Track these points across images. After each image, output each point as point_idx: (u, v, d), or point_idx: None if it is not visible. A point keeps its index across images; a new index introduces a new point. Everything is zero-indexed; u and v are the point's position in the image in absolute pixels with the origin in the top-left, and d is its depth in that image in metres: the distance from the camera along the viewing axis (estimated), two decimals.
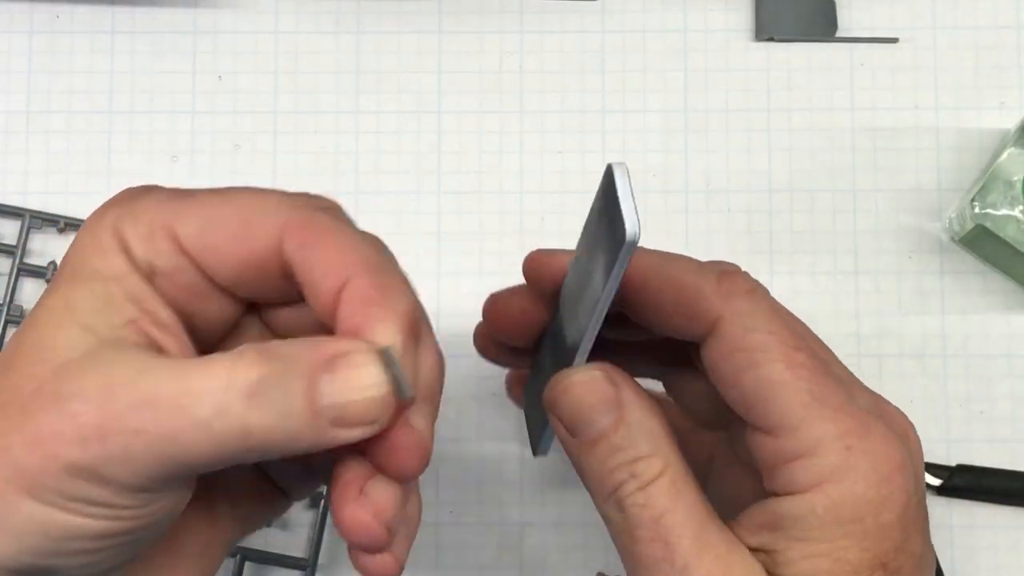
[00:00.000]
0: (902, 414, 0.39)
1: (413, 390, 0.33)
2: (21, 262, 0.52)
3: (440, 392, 0.35)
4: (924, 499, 0.38)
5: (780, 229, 0.52)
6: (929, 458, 0.51)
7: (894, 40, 0.53)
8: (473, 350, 0.51)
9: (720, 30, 0.54)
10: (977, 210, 0.48)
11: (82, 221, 0.52)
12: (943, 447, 0.51)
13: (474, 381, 0.52)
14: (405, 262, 0.52)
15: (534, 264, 0.41)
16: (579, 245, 0.38)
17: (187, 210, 0.36)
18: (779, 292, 0.52)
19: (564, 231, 0.53)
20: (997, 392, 0.52)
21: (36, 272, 0.52)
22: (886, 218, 0.52)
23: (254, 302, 0.37)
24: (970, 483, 0.50)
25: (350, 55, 0.54)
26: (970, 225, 0.48)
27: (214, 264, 0.35)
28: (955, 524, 0.51)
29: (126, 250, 0.35)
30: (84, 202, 0.53)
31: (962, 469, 0.51)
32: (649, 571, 0.36)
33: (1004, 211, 0.48)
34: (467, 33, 0.54)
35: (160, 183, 0.53)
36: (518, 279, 0.53)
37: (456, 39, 0.54)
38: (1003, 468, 0.51)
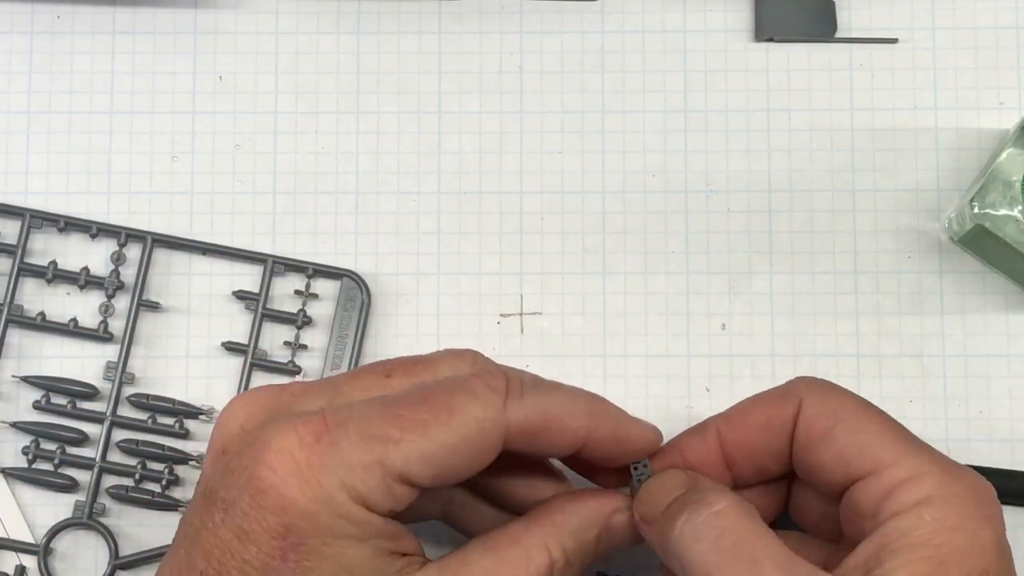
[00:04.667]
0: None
1: None
2: (21, 262, 0.52)
3: None
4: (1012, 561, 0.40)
5: (780, 229, 0.53)
6: None
7: (893, 40, 0.53)
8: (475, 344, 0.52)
9: (720, 30, 0.54)
10: (976, 210, 0.48)
11: (82, 221, 0.53)
12: (943, 447, 0.51)
13: None
14: (405, 262, 0.53)
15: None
16: None
17: (404, 444, 0.38)
18: (779, 292, 0.52)
19: (564, 231, 0.53)
20: (996, 392, 0.52)
21: (36, 272, 0.52)
22: (885, 218, 0.52)
23: None
24: None
25: (350, 55, 0.54)
26: (969, 225, 0.48)
27: (443, 482, 0.39)
28: None
29: (365, 503, 0.38)
30: (84, 202, 0.53)
31: None
32: None
33: (1003, 211, 0.48)
34: (467, 33, 0.54)
35: (160, 183, 0.53)
36: (518, 279, 0.53)
37: (456, 39, 0.54)
38: (1003, 468, 0.51)
